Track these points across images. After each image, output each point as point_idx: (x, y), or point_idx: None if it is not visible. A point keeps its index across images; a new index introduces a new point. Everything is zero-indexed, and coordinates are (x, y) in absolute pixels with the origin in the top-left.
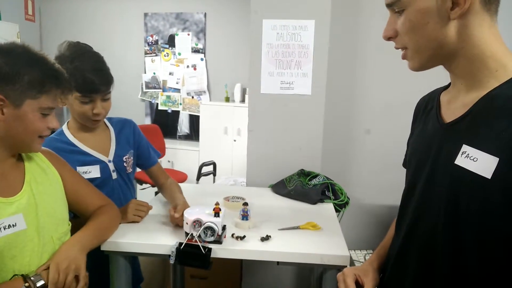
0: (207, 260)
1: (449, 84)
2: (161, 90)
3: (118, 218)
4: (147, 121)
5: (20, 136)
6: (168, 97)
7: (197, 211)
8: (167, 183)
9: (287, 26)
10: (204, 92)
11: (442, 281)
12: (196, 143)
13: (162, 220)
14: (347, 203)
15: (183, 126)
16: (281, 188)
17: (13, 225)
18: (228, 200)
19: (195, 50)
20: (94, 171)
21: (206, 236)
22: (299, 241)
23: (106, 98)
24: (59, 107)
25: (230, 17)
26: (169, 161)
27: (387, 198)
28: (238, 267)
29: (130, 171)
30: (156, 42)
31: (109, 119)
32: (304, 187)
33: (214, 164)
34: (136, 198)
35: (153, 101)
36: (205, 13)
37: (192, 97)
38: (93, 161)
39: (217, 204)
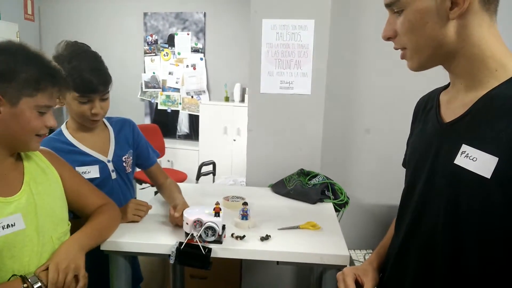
0: (207, 260)
1: (449, 84)
2: (160, 89)
3: (118, 218)
4: (147, 120)
5: (17, 135)
6: (168, 96)
7: (197, 211)
8: (166, 183)
9: (287, 25)
10: (204, 91)
11: (442, 281)
12: (195, 142)
13: (161, 220)
14: (346, 202)
15: (183, 125)
16: (280, 187)
17: (12, 224)
18: (228, 200)
19: (195, 50)
20: (93, 171)
21: (207, 236)
22: (298, 240)
23: (104, 98)
24: (57, 106)
25: (230, 16)
26: (168, 161)
27: (386, 198)
28: (238, 267)
29: (129, 171)
30: (156, 41)
31: (108, 119)
32: (303, 186)
33: (214, 164)
34: (135, 198)
35: (152, 101)
36: (204, 13)
37: (192, 96)
38: (92, 161)
39: (217, 204)
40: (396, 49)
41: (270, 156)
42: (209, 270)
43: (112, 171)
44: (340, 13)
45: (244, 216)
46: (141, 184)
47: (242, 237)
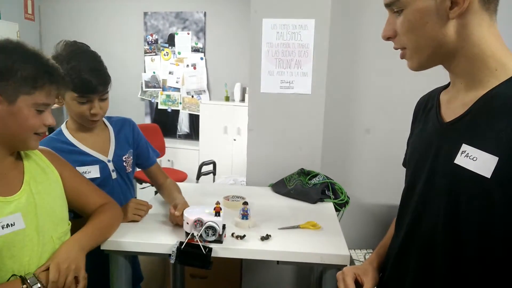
0: (207, 260)
1: (449, 83)
2: (161, 89)
3: (119, 217)
4: (147, 120)
5: (16, 133)
6: (168, 96)
7: (197, 211)
8: (166, 183)
9: (287, 25)
10: (204, 91)
11: (442, 281)
12: (196, 142)
13: (161, 220)
14: (347, 202)
15: (183, 125)
16: (281, 187)
17: (11, 224)
18: (228, 200)
19: (195, 49)
20: (93, 171)
21: (208, 235)
22: (299, 240)
23: (103, 98)
24: (56, 106)
25: (230, 16)
26: (169, 160)
27: (387, 198)
28: (238, 266)
29: (129, 171)
30: (156, 41)
31: (108, 118)
32: (304, 186)
33: (214, 164)
34: (135, 198)
35: (153, 100)
36: (205, 12)
37: (192, 96)
38: (92, 161)
39: (217, 203)
40: (396, 49)
41: (270, 155)
42: (209, 269)
43: (113, 171)
44: (341, 13)
45: (244, 215)
46: (141, 183)
47: (242, 237)
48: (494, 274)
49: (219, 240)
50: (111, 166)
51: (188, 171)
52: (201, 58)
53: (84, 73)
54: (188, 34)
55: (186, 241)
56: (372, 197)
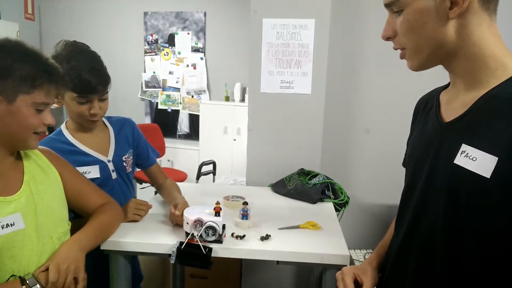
0: (208, 260)
1: (449, 83)
2: (161, 89)
3: (120, 216)
4: (147, 120)
5: (15, 132)
6: (168, 96)
7: (197, 211)
8: (166, 183)
9: (287, 25)
10: (204, 91)
11: (442, 280)
12: (196, 142)
13: (161, 219)
14: (347, 202)
15: (183, 125)
16: (281, 187)
17: (11, 224)
18: (228, 200)
19: (195, 49)
20: (93, 172)
21: (208, 235)
22: (299, 240)
23: (103, 98)
24: (56, 106)
25: (230, 16)
26: (169, 160)
27: (387, 198)
28: (238, 266)
29: (129, 171)
30: (156, 41)
31: (108, 118)
32: (304, 186)
33: (214, 164)
34: (135, 198)
35: (153, 100)
36: (205, 12)
37: (192, 96)
38: (92, 161)
39: (217, 203)
40: (396, 49)
41: (270, 155)
42: (210, 269)
43: (113, 171)
44: (340, 13)
45: (244, 215)
46: (141, 183)
47: (242, 237)
48: (494, 273)
49: (219, 240)
50: (111, 166)
51: (188, 171)
52: (201, 58)
53: (84, 73)
54: (188, 34)
55: (186, 241)
56: (372, 197)
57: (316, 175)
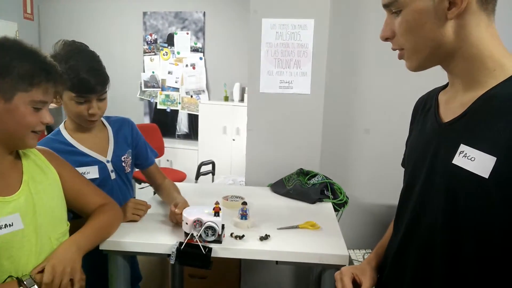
0: (207, 260)
1: (447, 83)
2: (160, 89)
3: (119, 217)
4: (146, 120)
5: (13, 131)
6: (167, 96)
7: (197, 211)
8: (165, 184)
9: (287, 25)
10: (203, 91)
11: (440, 280)
12: (195, 142)
13: (161, 220)
14: (346, 202)
15: (182, 125)
16: (280, 187)
17: (9, 224)
18: (227, 200)
19: (194, 49)
20: (92, 172)
21: (207, 235)
22: (298, 240)
23: (102, 98)
24: (54, 105)
25: (229, 16)
26: (168, 160)
27: (386, 198)
28: (237, 266)
29: (128, 171)
30: (155, 41)
31: (107, 118)
32: (303, 186)
33: (213, 164)
34: (134, 198)
35: (152, 100)
36: (204, 12)
37: (191, 96)
38: (91, 161)
39: (217, 203)
40: (394, 49)
41: (269, 155)
42: (209, 269)
43: (112, 171)
44: (340, 13)
45: (244, 215)
46: (140, 183)
47: (241, 237)
48: (492, 273)
49: (218, 240)
50: (110, 166)
51: (187, 171)
52: (200, 58)
53: (83, 73)
54: (187, 34)
55: (185, 241)
56: (371, 197)
57: (315, 175)
